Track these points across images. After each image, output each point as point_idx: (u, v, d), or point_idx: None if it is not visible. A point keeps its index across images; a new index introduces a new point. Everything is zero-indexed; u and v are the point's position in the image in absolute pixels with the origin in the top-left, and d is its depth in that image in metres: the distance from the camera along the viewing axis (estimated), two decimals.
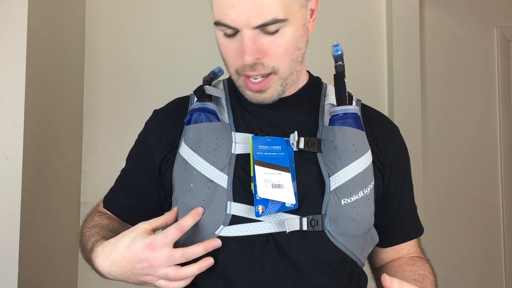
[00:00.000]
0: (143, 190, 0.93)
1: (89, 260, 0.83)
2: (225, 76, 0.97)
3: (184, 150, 0.84)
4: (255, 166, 0.79)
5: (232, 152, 0.83)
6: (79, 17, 1.94)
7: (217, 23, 0.78)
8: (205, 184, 0.80)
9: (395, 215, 0.94)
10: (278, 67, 0.79)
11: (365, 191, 0.81)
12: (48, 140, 1.60)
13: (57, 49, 1.69)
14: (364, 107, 0.94)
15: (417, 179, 0.95)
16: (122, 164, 0.99)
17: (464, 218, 2.26)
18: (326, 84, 0.96)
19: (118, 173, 1.00)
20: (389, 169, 0.89)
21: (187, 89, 0.95)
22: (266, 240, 0.79)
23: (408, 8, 2.12)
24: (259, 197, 0.77)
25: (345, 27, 2.12)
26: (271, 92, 0.82)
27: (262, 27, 0.75)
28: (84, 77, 1.95)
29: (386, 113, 2.09)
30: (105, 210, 0.98)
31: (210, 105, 0.87)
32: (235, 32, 0.77)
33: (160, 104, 0.99)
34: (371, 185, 0.83)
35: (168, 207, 0.93)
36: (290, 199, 0.77)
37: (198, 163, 0.82)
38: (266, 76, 0.80)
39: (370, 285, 0.92)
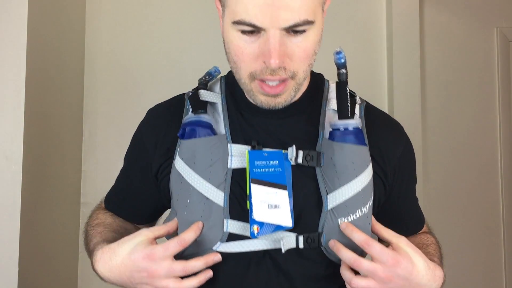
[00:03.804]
0: (143, 193, 0.94)
1: (91, 261, 0.83)
2: (221, 74, 0.95)
3: (179, 164, 0.82)
4: (251, 185, 0.77)
5: (228, 166, 0.81)
6: (79, 17, 1.94)
7: (239, 23, 0.73)
8: (201, 201, 0.79)
9: (399, 215, 0.94)
10: (297, 71, 0.76)
11: (364, 210, 0.80)
12: (48, 140, 1.60)
13: (57, 49, 1.69)
14: (367, 110, 0.90)
15: (417, 179, 0.96)
16: (122, 164, 0.99)
17: (464, 218, 2.26)
18: (328, 82, 0.92)
19: (118, 173, 1.00)
20: (391, 176, 0.88)
21: (187, 90, 0.94)
22: (262, 256, 0.80)
23: (408, 8, 2.12)
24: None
25: (345, 27, 2.11)
26: (285, 97, 0.79)
27: (291, 28, 0.72)
28: (84, 77, 1.95)
29: None
30: None
31: (205, 118, 0.83)
32: (254, 31, 0.73)
33: None
34: (370, 201, 0.81)
35: (169, 205, 0.92)
36: (286, 221, 0.76)
37: (194, 179, 0.80)
38: (283, 80, 0.76)
39: None
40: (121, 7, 2.00)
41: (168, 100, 0.96)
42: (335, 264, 0.80)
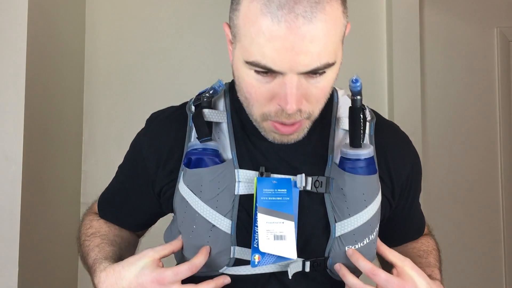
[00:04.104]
0: (142, 206, 0.92)
1: (90, 274, 0.82)
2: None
3: (184, 190, 0.80)
4: (258, 214, 0.76)
5: (235, 193, 0.79)
6: (79, 17, 1.94)
7: (253, 64, 0.68)
8: (207, 227, 0.78)
9: (402, 224, 0.94)
10: (313, 111, 0.73)
11: (371, 237, 0.79)
12: (48, 140, 1.60)
13: (57, 49, 1.69)
14: (377, 126, 0.86)
15: None
16: None
17: (464, 218, 2.26)
18: (337, 93, 0.88)
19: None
20: (398, 194, 0.87)
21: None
22: (269, 278, 0.80)
23: (408, 8, 2.12)
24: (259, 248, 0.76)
25: None
26: (298, 134, 0.76)
27: (310, 71, 0.68)
28: (84, 77, 1.95)
29: (386, 113, 2.10)
30: None
31: (211, 145, 0.79)
32: (269, 71, 0.68)
33: (160, 104, 0.97)
34: (377, 227, 0.81)
35: (167, 212, 0.91)
36: (291, 253, 0.75)
37: (200, 207, 0.78)
38: (299, 121, 0.73)
39: None
40: (121, 8, 2.00)
41: (168, 112, 0.89)
42: (339, 283, 0.81)
